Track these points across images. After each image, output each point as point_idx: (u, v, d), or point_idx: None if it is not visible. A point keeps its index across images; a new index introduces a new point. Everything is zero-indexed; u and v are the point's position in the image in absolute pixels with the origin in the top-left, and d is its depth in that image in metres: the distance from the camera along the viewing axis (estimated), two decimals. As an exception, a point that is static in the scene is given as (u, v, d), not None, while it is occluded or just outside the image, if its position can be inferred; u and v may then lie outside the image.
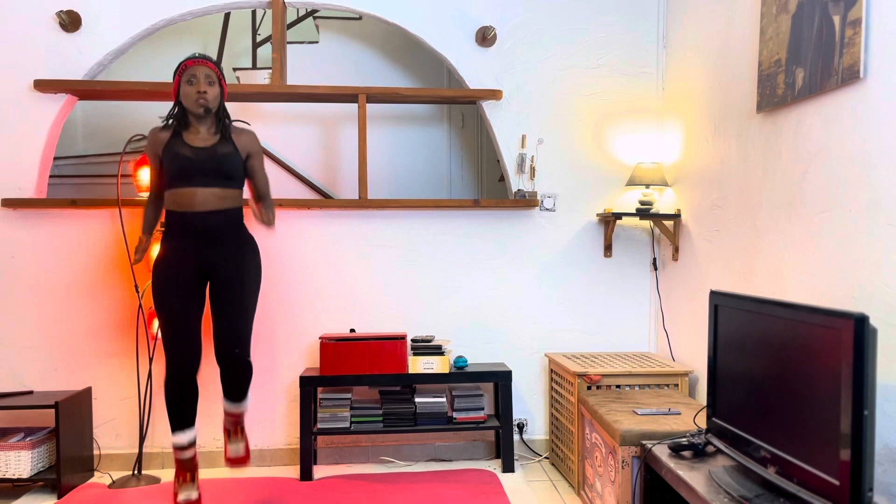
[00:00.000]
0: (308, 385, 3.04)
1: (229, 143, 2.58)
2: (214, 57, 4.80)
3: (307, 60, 4.55)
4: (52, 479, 2.83)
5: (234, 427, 2.69)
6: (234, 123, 2.66)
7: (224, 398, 2.64)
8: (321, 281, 3.29)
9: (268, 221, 2.64)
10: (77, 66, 3.14)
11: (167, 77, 4.84)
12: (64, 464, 2.84)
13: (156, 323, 3.03)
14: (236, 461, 2.68)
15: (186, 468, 2.58)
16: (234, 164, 2.57)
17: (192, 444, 2.59)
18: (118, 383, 3.18)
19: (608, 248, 3.41)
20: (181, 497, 2.55)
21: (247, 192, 2.85)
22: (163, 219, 2.68)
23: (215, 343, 2.57)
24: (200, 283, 2.56)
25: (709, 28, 2.91)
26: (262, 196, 2.70)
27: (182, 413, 2.56)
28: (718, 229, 2.81)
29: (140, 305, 3.05)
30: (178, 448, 2.57)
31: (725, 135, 2.75)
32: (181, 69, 2.54)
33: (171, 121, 2.58)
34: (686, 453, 2.08)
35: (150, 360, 3.07)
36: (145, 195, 3.12)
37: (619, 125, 3.42)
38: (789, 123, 2.29)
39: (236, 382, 2.61)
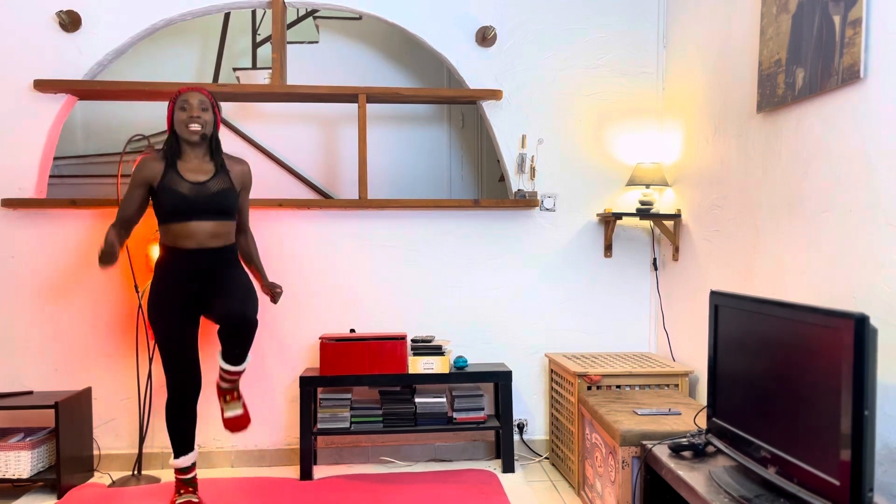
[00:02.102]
0: (308, 385, 3.04)
1: (225, 177, 2.60)
2: (214, 57, 4.80)
3: (307, 60, 4.55)
4: (52, 479, 2.83)
5: (232, 391, 2.69)
6: (227, 155, 2.68)
7: (223, 360, 2.61)
8: (321, 281, 3.28)
9: (277, 295, 2.73)
10: (77, 66, 3.14)
11: (167, 77, 4.85)
12: (64, 464, 2.84)
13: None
14: (236, 422, 2.66)
15: (188, 484, 2.68)
16: (230, 199, 2.59)
17: (193, 465, 2.69)
18: (118, 383, 3.18)
19: (608, 248, 3.41)
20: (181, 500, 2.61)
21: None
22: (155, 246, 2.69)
23: (223, 316, 2.50)
24: (196, 314, 2.62)
25: (709, 28, 2.91)
26: (243, 229, 2.77)
27: (184, 438, 2.64)
28: (718, 229, 2.81)
29: (140, 305, 3.05)
30: (182, 471, 2.66)
31: (725, 135, 2.75)
32: (174, 97, 2.56)
33: (165, 149, 2.57)
34: (686, 453, 2.08)
35: (150, 360, 3.07)
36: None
37: (619, 125, 3.42)
38: (789, 123, 2.29)
39: (242, 341, 2.56)
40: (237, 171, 2.65)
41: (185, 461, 2.64)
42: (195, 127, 2.52)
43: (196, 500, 2.64)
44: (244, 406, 2.70)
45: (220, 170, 2.59)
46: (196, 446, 2.70)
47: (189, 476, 2.67)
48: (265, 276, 2.81)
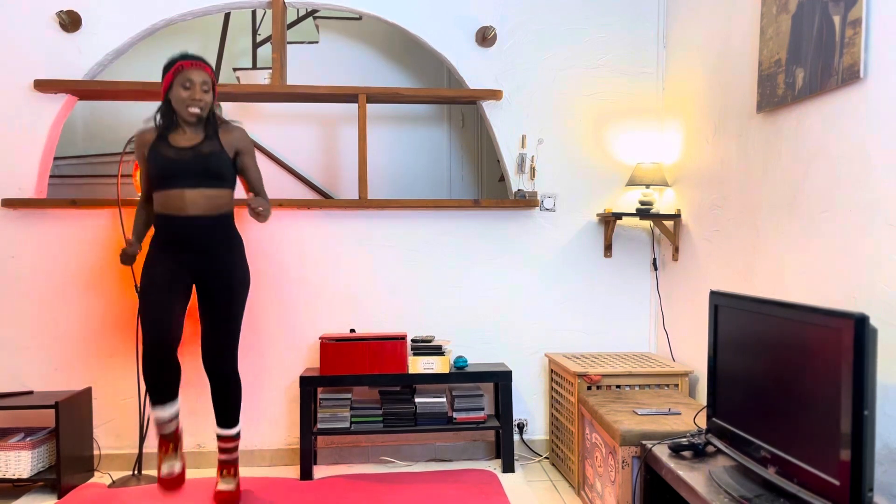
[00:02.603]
0: (308, 385, 3.04)
1: (215, 141, 2.51)
2: (214, 57, 4.80)
3: (307, 60, 4.55)
4: (52, 479, 2.82)
5: (229, 464, 2.68)
6: (225, 121, 2.60)
7: (216, 423, 2.69)
8: (321, 281, 3.28)
9: (262, 213, 2.46)
10: (77, 66, 3.14)
11: (167, 77, 4.84)
12: (64, 464, 2.84)
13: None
14: (225, 497, 2.64)
15: (169, 440, 2.56)
16: (220, 162, 2.49)
17: (175, 417, 2.57)
18: (118, 383, 3.18)
19: (608, 248, 3.41)
20: (164, 470, 2.52)
21: (241, 191, 2.84)
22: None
23: (203, 353, 2.60)
24: (188, 284, 2.57)
25: (709, 28, 2.91)
26: (256, 193, 2.67)
27: (162, 388, 2.49)
28: (718, 229, 2.81)
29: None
30: (160, 423, 2.53)
31: (725, 135, 2.75)
32: (175, 69, 2.43)
33: (157, 121, 2.53)
34: (686, 453, 2.08)
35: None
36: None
37: (619, 125, 3.42)
38: (789, 123, 2.29)
39: (223, 398, 2.62)
40: (230, 137, 2.55)
41: (163, 412, 2.50)
42: (195, 110, 2.45)
43: (179, 469, 2.53)
44: (238, 484, 2.70)
45: (210, 135, 2.51)
46: (178, 403, 2.59)
47: (170, 429, 2.54)
48: (262, 204, 2.48)
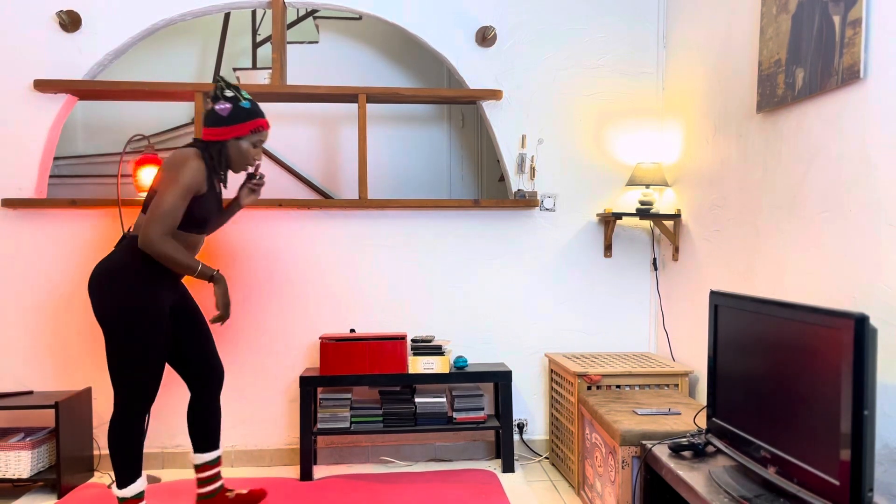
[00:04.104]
0: (308, 385, 3.04)
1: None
2: (214, 57, 4.80)
3: (307, 60, 4.55)
4: (52, 479, 2.82)
5: (215, 497, 2.55)
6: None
7: (198, 452, 2.53)
8: (321, 281, 3.28)
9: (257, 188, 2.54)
10: (77, 66, 3.14)
11: (167, 77, 4.85)
12: (64, 464, 2.84)
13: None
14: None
15: None
16: None
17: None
18: (118, 383, 3.18)
19: (608, 248, 3.41)
20: None
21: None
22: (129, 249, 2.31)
23: (204, 370, 2.51)
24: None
25: (709, 28, 2.91)
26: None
27: (138, 459, 2.29)
28: (718, 229, 2.81)
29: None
30: (139, 496, 2.30)
31: (725, 135, 2.75)
32: (256, 126, 2.33)
33: (209, 160, 2.31)
34: (686, 453, 2.08)
35: (150, 360, 3.07)
36: (145, 195, 3.12)
37: (619, 125, 3.42)
38: (789, 123, 2.29)
39: (216, 413, 2.54)
40: None
41: (143, 484, 2.31)
42: (251, 169, 2.45)
43: None
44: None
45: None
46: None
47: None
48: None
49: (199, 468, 2.54)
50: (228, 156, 2.35)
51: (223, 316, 2.35)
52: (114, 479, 2.31)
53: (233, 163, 2.37)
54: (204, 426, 2.53)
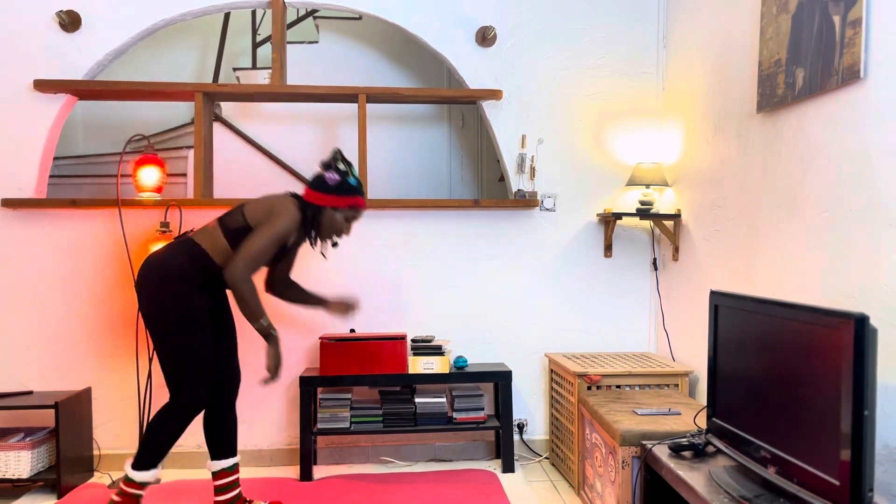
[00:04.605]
0: (308, 385, 3.04)
1: None
2: (214, 57, 4.80)
3: (307, 60, 4.55)
4: (52, 479, 2.82)
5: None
6: None
7: (215, 459, 2.51)
8: (321, 281, 3.28)
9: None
10: (77, 66, 3.14)
11: (167, 77, 4.85)
12: (64, 464, 2.84)
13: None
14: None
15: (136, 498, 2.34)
16: None
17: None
18: (118, 383, 3.18)
19: (608, 248, 3.41)
20: None
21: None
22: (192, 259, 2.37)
23: (225, 378, 2.52)
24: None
25: (709, 28, 2.91)
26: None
27: (168, 451, 2.35)
28: (718, 229, 2.81)
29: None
30: (143, 485, 2.33)
31: (725, 135, 2.75)
32: (355, 203, 2.43)
33: (305, 216, 2.41)
34: (686, 453, 2.08)
35: (150, 360, 3.07)
36: (145, 195, 3.13)
37: (619, 125, 3.42)
38: (789, 123, 2.29)
39: (233, 420, 2.55)
40: None
41: (157, 472, 2.35)
42: (338, 242, 2.54)
43: None
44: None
45: None
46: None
47: (143, 494, 2.36)
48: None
49: (216, 475, 2.52)
50: (321, 220, 2.45)
51: (272, 377, 2.40)
52: (133, 458, 2.34)
53: (322, 228, 2.47)
54: (221, 433, 2.54)
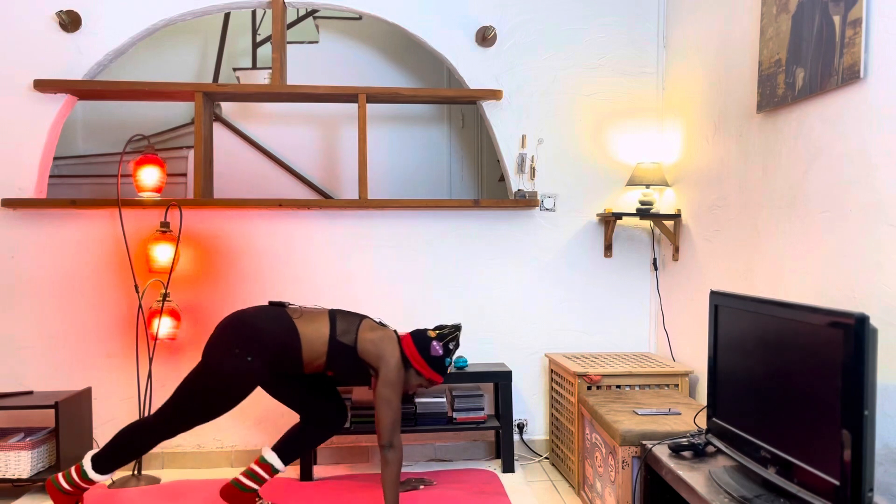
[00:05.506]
0: (308, 385, 3.04)
1: None
2: (214, 57, 4.80)
3: (307, 60, 4.55)
4: (52, 479, 2.82)
5: (253, 494, 2.60)
6: None
7: (273, 450, 2.63)
8: (321, 281, 3.28)
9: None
10: (77, 66, 3.14)
11: (167, 77, 4.85)
12: (64, 464, 2.84)
13: (161, 327, 3.02)
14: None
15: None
16: None
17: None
18: (118, 383, 3.18)
19: (608, 248, 3.41)
20: None
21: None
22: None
23: (337, 415, 2.70)
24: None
25: (709, 28, 2.91)
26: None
27: (127, 463, 2.41)
28: (718, 229, 2.81)
29: (140, 305, 3.05)
30: (87, 482, 2.39)
31: (725, 135, 2.75)
32: (435, 376, 2.56)
33: (402, 356, 2.54)
34: (686, 453, 2.08)
35: (150, 360, 3.07)
36: (145, 195, 3.13)
37: (619, 125, 3.42)
38: (789, 123, 2.29)
39: (316, 444, 2.71)
40: None
41: (98, 477, 2.39)
42: (410, 393, 2.63)
43: None
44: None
45: None
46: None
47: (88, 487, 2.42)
48: None
49: (260, 462, 2.60)
50: (409, 365, 2.58)
51: None
52: (98, 452, 2.39)
53: (407, 383, 2.60)
54: (298, 444, 2.65)
